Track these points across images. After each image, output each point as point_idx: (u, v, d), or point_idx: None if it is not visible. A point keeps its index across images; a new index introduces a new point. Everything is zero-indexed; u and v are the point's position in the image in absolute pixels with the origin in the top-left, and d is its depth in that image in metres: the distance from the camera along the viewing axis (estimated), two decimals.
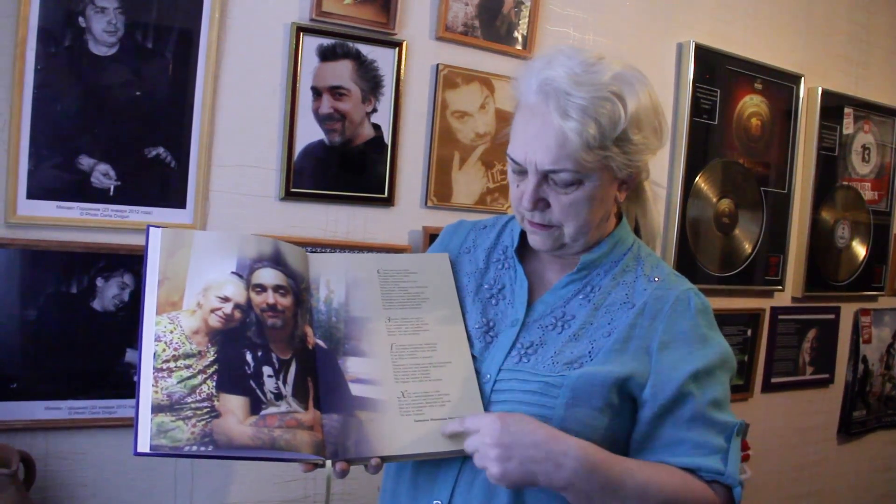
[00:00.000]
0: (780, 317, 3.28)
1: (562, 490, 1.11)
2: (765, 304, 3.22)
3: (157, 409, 1.05)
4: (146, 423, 1.04)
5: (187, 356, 1.11)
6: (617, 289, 1.29)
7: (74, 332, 1.84)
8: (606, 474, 1.11)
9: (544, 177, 1.20)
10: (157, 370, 1.08)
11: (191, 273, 1.17)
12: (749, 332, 3.15)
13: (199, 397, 1.09)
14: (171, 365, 1.09)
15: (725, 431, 1.21)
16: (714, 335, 1.27)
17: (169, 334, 1.11)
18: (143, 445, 1.03)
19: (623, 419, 1.23)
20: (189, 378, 1.09)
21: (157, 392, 1.07)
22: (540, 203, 1.23)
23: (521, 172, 1.23)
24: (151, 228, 1.18)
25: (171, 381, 1.08)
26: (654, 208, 1.44)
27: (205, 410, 1.08)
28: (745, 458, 3.06)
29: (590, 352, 1.23)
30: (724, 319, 3.05)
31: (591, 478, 1.10)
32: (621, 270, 1.31)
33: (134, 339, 1.87)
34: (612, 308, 1.27)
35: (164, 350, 1.10)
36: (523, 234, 1.37)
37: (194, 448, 1.04)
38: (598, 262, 1.31)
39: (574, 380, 1.20)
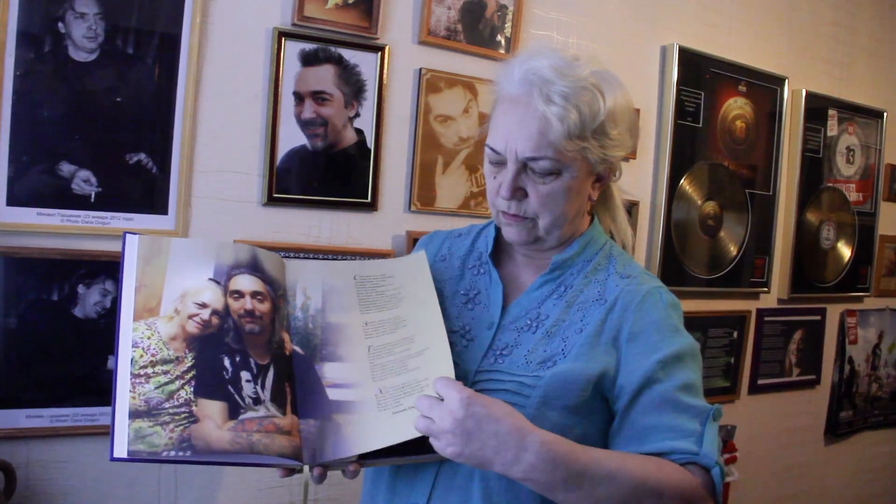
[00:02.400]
0: (766, 318, 3.29)
1: (519, 480, 1.08)
2: (751, 305, 3.23)
3: (134, 414, 1.05)
4: (123, 429, 1.04)
5: (165, 362, 1.10)
6: (589, 286, 1.30)
7: (56, 339, 1.83)
8: (570, 467, 1.07)
9: (523, 166, 1.23)
10: (134, 376, 1.08)
11: (168, 280, 1.17)
12: (735, 334, 3.15)
13: (176, 403, 1.08)
14: (149, 371, 1.09)
15: (699, 416, 1.19)
16: (683, 330, 1.28)
17: (146, 340, 1.11)
18: (121, 451, 1.03)
19: (596, 419, 1.24)
20: (167, 384, 1.09)
21: (134, 398, 1.06)
22: (518, 192, 1.24)
23: (500, 163, 1.25)
24: (128, 235, 1.17)
25: (149, 387, 1.08)
26: (623, 213, 1.46)
27: (183, 416, 1.08)
28: (733, 460, 3.07)
29: (563, 349, 1.24)
30: (710, 322, 3.06)
31: (553, 472, 1.06)
32: (593, 269, 1.32)
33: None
34: (584, 305, 1.28)
35: (141, 356, 1.10)
36: (498, 240, 1.38)
37: (172, 453, 1.04)
38: (570, 262, 1.32)
39: (547, 380, 1.21)
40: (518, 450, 1.06)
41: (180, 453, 1.05)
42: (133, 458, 1.03)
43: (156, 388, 1.08)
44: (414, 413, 1.15)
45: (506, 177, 1.23)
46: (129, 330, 1.11)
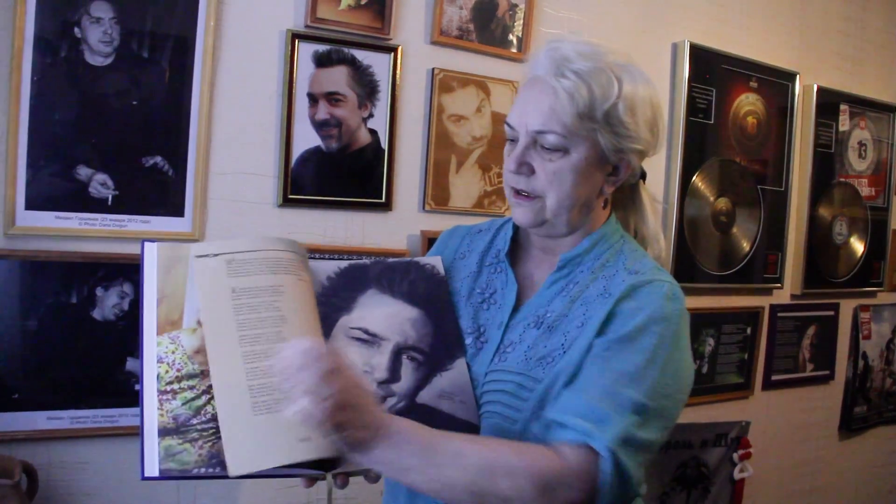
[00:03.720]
0: (780, 314, 3.29)
1: (372, 465, 1.05)
2: (764, 301, 3.22)
3: (163, 432, 1.04)
4: (153, 447, 1.02)
5: (190, 377, 1.09)
6: (595, 282, 1.27)
7: (75, 341, 1.84)
8: (417, 441, 1.04)
9: (534, 141, 1.23)
10: (161, 392, 1.06)
11: (189, 290, 1.14)
12: (748, 331, 3.15)
13: (204, 419, 1.07)
14: (175, 386, 1.08)
15: (620, 405, 1.11)
16: (671, 320, 1.21)
17: (171, 355, 1.09)
18: (152, 469, 1.01)
19: None
20: (193, 399, 1.07)
21: (162, 415, 1.04)
22: (524, 167, 1.25)
23: (514, 140, 1.27)
24: (146, 244, 1.14)
25: (176, 403, 1.06)
26: (654, 218, 1.42)
27: (210, 432, 1.06)
28: (747, 456, 3.06)
29: (563, 344, 1.22)
30: (723, 318, 3.06)
31: (400, 447, 1.02)
32: (601, 265, 1.29)
33: (134, 348, 1.87)
34: (588, 300, 1.25)
35: (167, 371, 1.08)
36: (515, 238, 1.38)
37: (202, 470, 1.03)
38: (579, 260, 1.30)
39: (545, 384, 1.19)
40: (375, 429, 1.01)
41: (210, 470, 1.04)
42: (164, 476, 1.01)
43: (183, 404, 1.07)
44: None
45: (515, 150, 1.25)
46: (153, 345, 1.09)
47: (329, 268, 1.33)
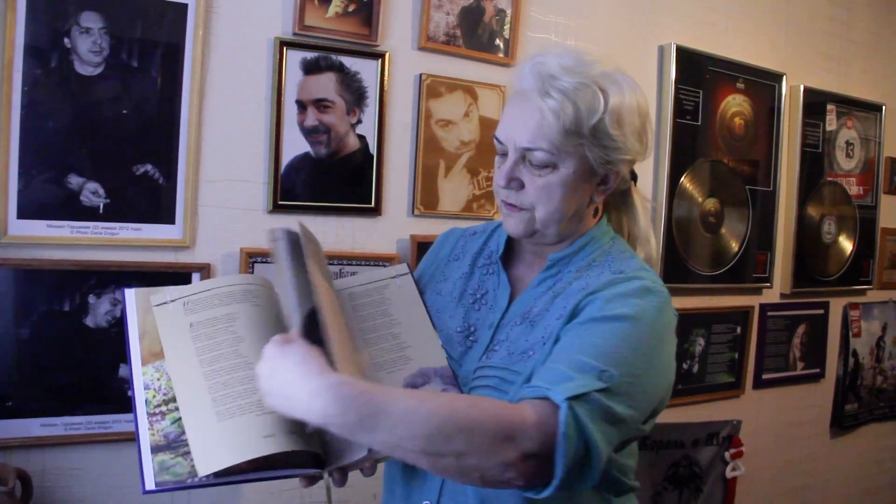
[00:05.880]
0: (770, 313, 3.31)
1: (321, 426, 1.02)
2: (754, 301, 3.24)
3: (156, 449, 1.13)
4: (149, 463, 1.12)
5: (176, 399, 1.19)
6: (578, 280, 1.29)
7: (68, 349, 1.86)
8: (361, 409, 0.99)
9: (522, 156, 1.25)
10: (150, 415, 1.17)
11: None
12: (738, 330, 3.17)
13: None
14: (163, 409, 1.18)
15: (582, 368, 1.09)
16: (643, 304, 1.20)
17: (156, 381, 1.20)
18: (150, 483, 1.10)
19: None
20: (181, 418, 1.17)
21: (154, 434, 1.15)
22: (514, 182, 1.26)
23: (504, 154, 1.28)
24: (126, 290, 1.29)
25: (166, 423, 1.16)
26: (645, 219, 1.43)
27: None
28: (739, 455, 3.08)
29: (543, 337, 1.24)
30: (714, 318, 3.08)
31: (344, 415, 0.99)
32: (587, 265, 1.31)
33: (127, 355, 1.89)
34: (569, 295, 1.26)
35: (154, 396, 1.19)
36: (509, 240, 1.40)
37: (196, 479, 1.12)
38: (567, 260, 1.33)
39: (526, 376, 1.20)
40: (309, 397, 1.01)
41: (203, 478, 1.12)
42: (161, 488, 1.10)
43: (171, 423, 1.16)
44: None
45: (505, 165, 1.26)
46: (139, 374, 1.21)
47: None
